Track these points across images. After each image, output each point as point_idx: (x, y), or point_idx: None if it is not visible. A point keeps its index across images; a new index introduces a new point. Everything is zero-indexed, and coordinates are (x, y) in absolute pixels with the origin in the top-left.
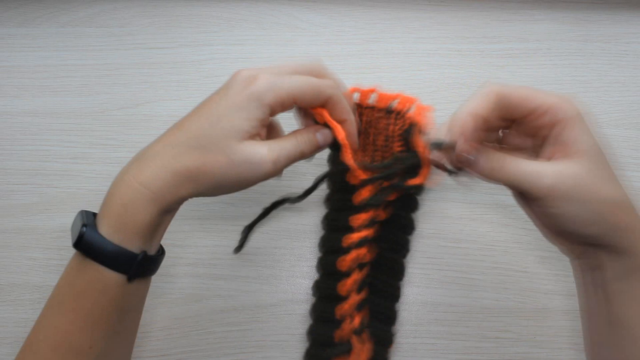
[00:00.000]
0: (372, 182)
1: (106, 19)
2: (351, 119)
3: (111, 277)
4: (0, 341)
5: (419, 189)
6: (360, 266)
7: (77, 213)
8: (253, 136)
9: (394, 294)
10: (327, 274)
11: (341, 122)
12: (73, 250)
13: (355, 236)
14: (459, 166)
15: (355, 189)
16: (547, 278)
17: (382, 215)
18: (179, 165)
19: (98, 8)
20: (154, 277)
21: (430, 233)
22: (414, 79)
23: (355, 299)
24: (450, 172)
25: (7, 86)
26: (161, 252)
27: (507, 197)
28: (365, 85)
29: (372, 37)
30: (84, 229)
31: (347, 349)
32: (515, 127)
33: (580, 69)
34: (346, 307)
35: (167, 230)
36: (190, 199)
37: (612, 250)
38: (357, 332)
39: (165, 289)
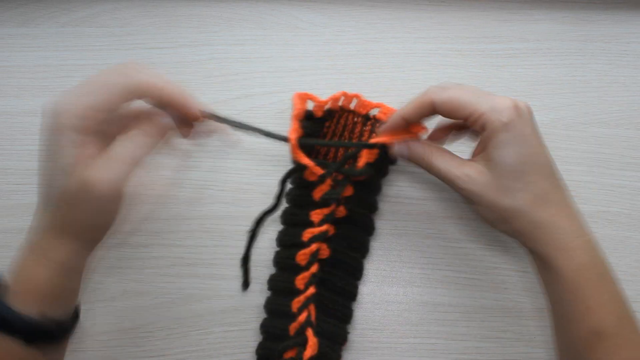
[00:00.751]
0: (329, 175)
1: (106, 19)
2: (168, 84)
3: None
4: None
5: (367, 171)
6: (318, 261)
7: None
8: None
9: (350, 292)
10: (285, 267)
11: (172, 98)
12: None
13: (316, 230)
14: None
15: (314, 185)
16: None
17: (341, 211)
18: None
19: (98, 8)
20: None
21: (430, 233)
22: (414, 79)
23: (311, 291)
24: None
25: (7, 86)
26: (75, 316)
27: None
28: (365, 86)
29: (372, 37)
30: None
31: (303, 340)
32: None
33: (580, 69)
34: (303, 299)
35: (168, 230)
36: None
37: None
38: (310, 324)
39: (165, 289)
